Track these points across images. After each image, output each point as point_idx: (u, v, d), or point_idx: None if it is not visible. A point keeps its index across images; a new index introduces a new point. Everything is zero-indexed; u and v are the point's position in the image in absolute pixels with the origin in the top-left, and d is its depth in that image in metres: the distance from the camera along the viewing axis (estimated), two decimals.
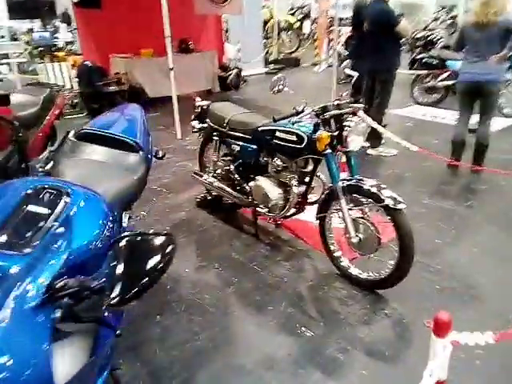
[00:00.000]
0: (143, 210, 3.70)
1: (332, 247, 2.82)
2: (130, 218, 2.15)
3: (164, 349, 2.24)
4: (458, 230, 3.39)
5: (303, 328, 2.35)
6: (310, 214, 3.03)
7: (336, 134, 2.57)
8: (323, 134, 2.50)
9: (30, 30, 11.31)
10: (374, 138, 4.82)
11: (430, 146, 5.00)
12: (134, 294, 1.03)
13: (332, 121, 2.57)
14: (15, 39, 11.82)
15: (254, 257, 3.04)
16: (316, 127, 2.61)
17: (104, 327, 1.26)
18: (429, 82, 7.00)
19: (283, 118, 2.62)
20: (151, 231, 1.20)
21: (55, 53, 9.28)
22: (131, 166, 2.08)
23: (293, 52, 12.85)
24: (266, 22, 12.03)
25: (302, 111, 2.58)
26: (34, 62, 9.38)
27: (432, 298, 2.59)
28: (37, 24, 11.85)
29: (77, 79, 6.90)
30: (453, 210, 3.67)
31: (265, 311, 2.51)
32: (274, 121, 2.62)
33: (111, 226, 1.55)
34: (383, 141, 4.94)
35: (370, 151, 5.01)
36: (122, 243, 1.13)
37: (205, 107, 3.55)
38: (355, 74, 2.83)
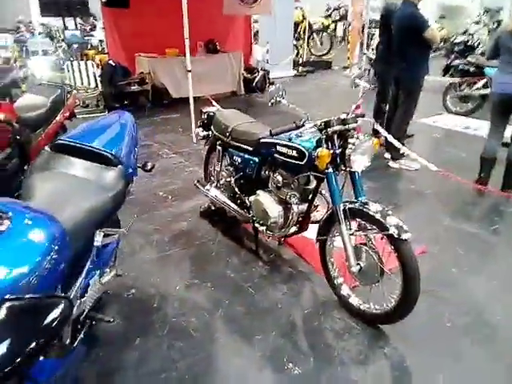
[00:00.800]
0: (143, 218, 3.57)
1: (332, 273, 2.60)
2: (106, 235, 2.00)
3: (137, 376, 2.08)
4: (479, 257, 3.08)
5: (290, 364, 2.14)
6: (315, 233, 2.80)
7: (339, 151, 2.35)
8: (323, 151, 2.27)
9: (66, 28, 11.54)
10: (396, 149, 4.52)
11: (457, 160, 4.67)
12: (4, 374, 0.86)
13: (335, 137, 2.34)
14: (51, 37, 12.11)
15: (251, 276, 2.85)
16: (318, 143, 2.39)
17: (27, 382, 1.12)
18: (463, 89, 6.57)
19: (281, 132, 2.41)
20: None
21: (85, 51, 9.41)
22: (106, 182, 1.94)
23: (324, 54, 12.54)
24: (297, 24, 11.76)
25: (303, 125, 2.36)
26: (68, 59, 9.53)
27: (440, 337, 2.32)
28: (72, 22, 12.07)
29: (99, 78, 6.91)
30: (475, 234, 3.35)
31: (252, 340, 2.31)
32: (271, 134, 2.42)
33: (57, 252, 1.40)
34: (406, 153, 4.62)
35: (391, 164, 4.72)
36: (4, 306, 0.96)
37: (211, 114, 3.39)
38: (365, 85, 2.60)
